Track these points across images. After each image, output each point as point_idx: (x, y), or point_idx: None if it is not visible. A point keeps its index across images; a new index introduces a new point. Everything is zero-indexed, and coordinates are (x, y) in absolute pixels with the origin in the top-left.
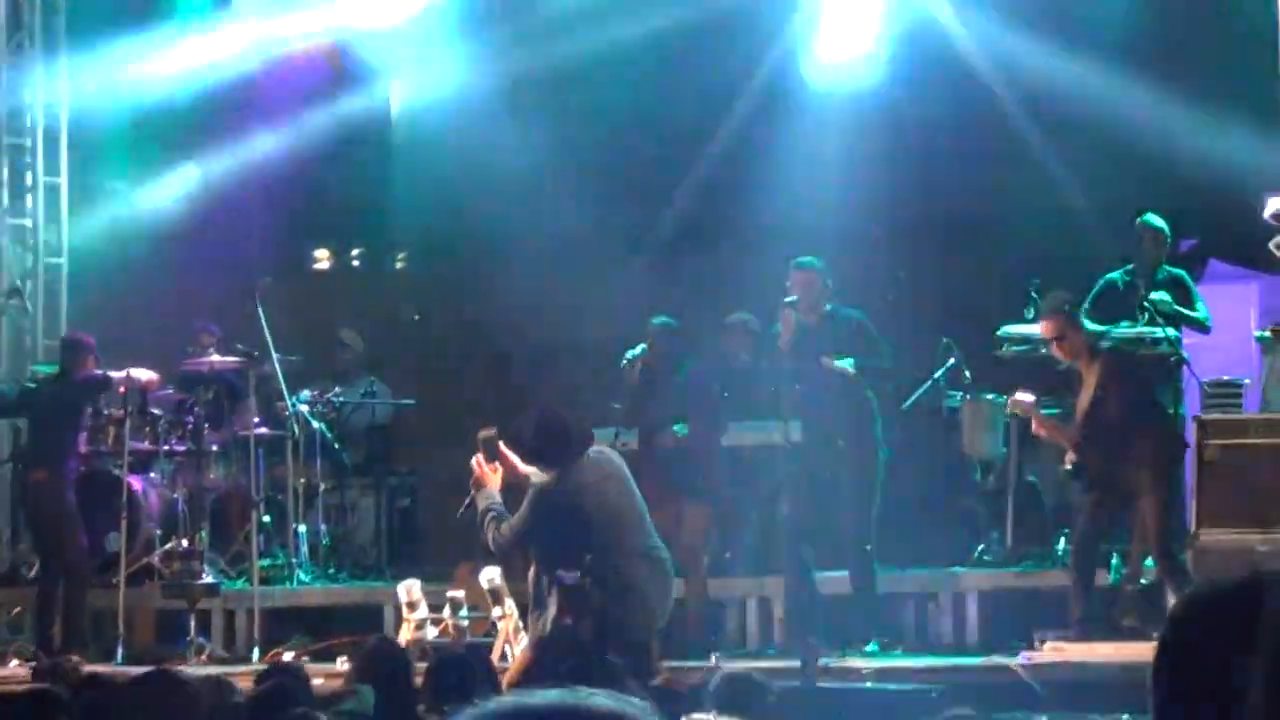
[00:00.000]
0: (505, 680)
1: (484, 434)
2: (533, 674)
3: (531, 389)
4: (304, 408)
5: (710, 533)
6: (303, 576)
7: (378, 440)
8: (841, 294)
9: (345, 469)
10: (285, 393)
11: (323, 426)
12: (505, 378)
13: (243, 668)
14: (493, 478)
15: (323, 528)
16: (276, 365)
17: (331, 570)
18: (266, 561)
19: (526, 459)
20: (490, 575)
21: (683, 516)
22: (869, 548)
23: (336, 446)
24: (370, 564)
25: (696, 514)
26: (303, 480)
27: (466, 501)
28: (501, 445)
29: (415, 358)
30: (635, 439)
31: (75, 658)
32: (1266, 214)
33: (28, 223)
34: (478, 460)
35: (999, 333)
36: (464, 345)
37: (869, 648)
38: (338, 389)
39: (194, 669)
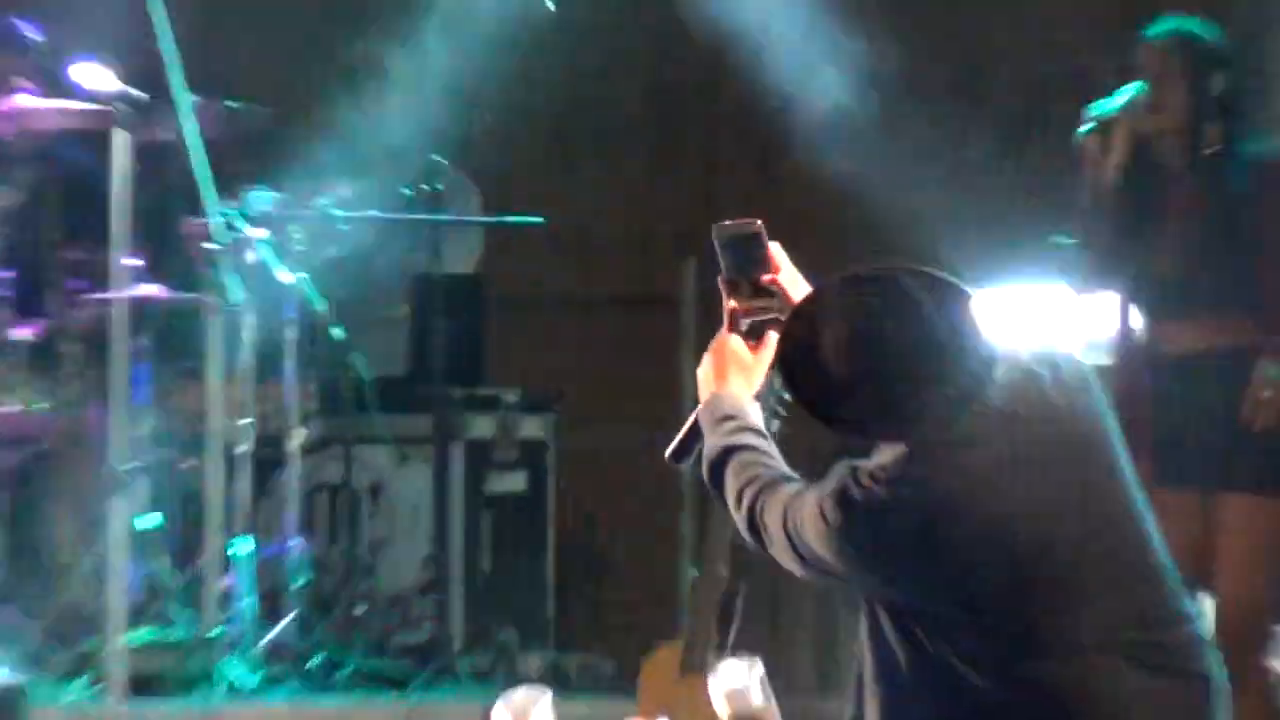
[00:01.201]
0: None
1: (727, 226)
2: None
3: None
4: (253, 231)
5: None
6: (240, 672)
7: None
8: None
9: (358, 390)
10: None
11: (301, 277)
12: None
13: None
14: (744, 357)
15: (298, 543)
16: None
17: (325, 657)
18: (148, 632)
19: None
20: (738, 681)
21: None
22: None
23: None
24: (422, 644)
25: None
26: (252, 418)
27: (686, 429)
28: (778, 251)
29: None
30: None
31: None
32: None
33: None
34: (732, 306)
35: None
36: None
37: None
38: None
39: None
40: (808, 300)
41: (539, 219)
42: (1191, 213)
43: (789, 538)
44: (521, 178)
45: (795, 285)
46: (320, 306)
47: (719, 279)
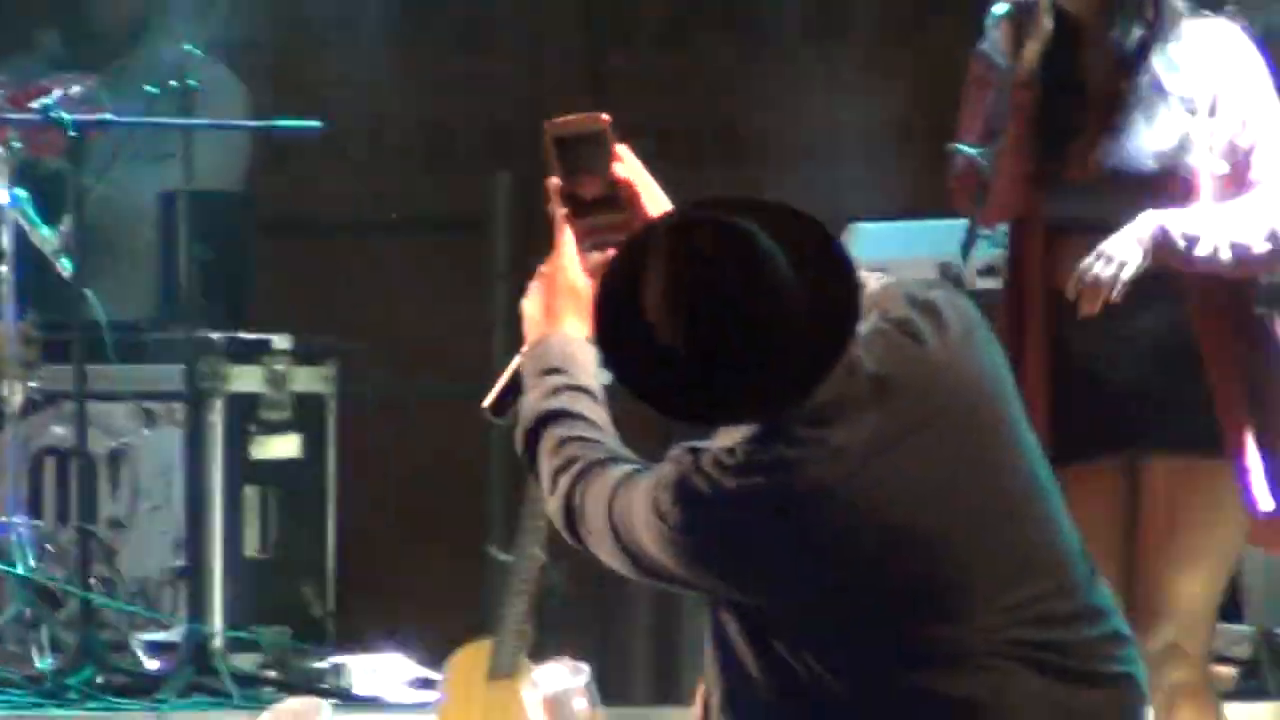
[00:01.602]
0: None
1: (565, 122)
2: None
3: None
4: None
5: None
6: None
7: None
8: None
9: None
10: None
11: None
12: None
13: None
14: (582, 288)
15: (21, 521)
16: None
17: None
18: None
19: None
20: (560, 686)
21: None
22: None
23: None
24: (175, 643)
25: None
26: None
27: (506, 377)
28: (627, 156)
29: None
30: None
31: None
32: None
33: None
34: (560, 214)
35: None
36: None
37: None
38: None
39: None
40: (634, 236)
41: (316, 122)
42: (1110, 109)
43: (615, 534)
44: (292, 70)
45: (651, 197)
46: (45, 232)
47: (552, 188)
